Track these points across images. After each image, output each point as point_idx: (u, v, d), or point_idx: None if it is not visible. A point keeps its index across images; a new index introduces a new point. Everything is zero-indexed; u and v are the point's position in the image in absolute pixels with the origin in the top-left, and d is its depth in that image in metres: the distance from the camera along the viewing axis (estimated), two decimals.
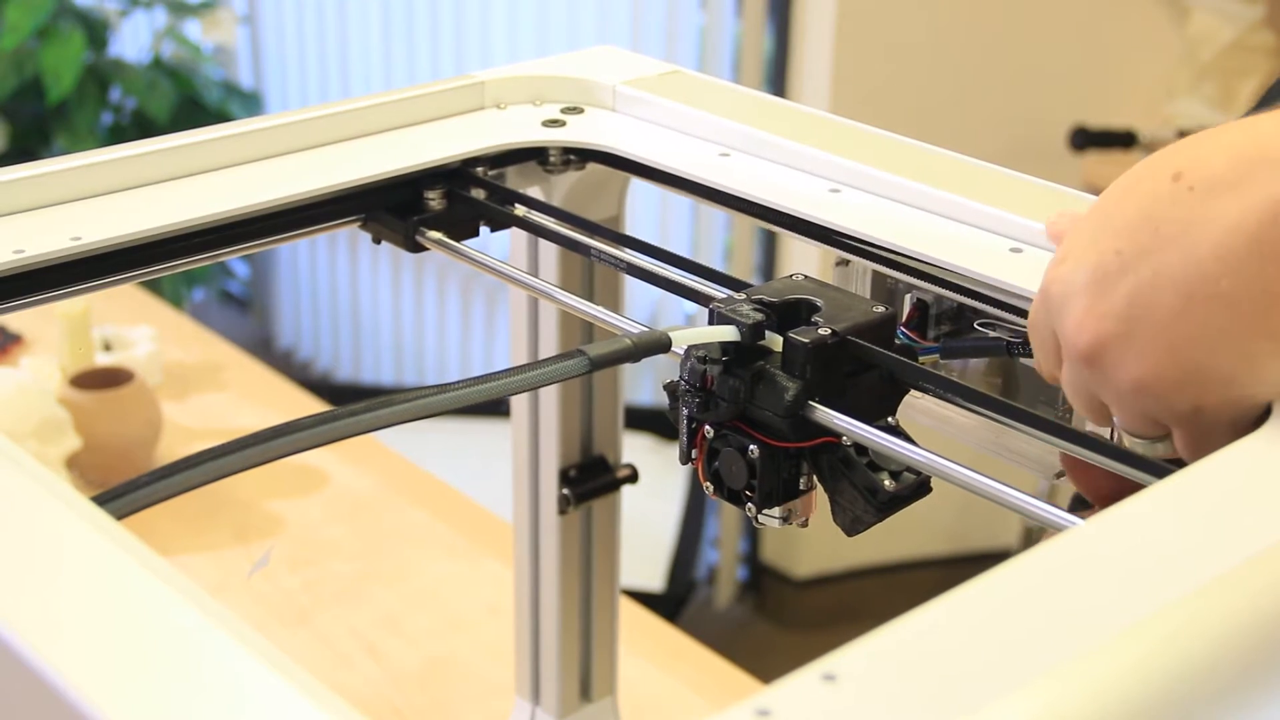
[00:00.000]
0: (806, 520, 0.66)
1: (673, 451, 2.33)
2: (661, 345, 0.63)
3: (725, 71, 2.50)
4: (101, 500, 0.47)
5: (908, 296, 0.71)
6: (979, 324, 0.69)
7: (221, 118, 2.70)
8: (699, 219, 2.62)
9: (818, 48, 2.35)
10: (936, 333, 0.71)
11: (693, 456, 0.66)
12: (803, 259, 2.42)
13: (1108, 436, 0.63)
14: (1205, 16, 2.41)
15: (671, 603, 2.23)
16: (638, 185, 0.83)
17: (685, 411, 0.65)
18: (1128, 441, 0.57)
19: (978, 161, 0.74)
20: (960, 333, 0.71)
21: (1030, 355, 0.66)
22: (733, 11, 2.47)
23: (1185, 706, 0.38)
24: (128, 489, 0.48)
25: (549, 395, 0.89)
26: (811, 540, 2.65)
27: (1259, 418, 0.54)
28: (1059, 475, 0.65)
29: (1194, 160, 0.53)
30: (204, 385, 1.69)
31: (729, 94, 0.85)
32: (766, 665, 0.37)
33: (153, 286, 2.52)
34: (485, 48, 2.75)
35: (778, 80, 2.41)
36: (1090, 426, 0.60)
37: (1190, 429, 0.54)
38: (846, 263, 0.72)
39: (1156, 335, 0.53)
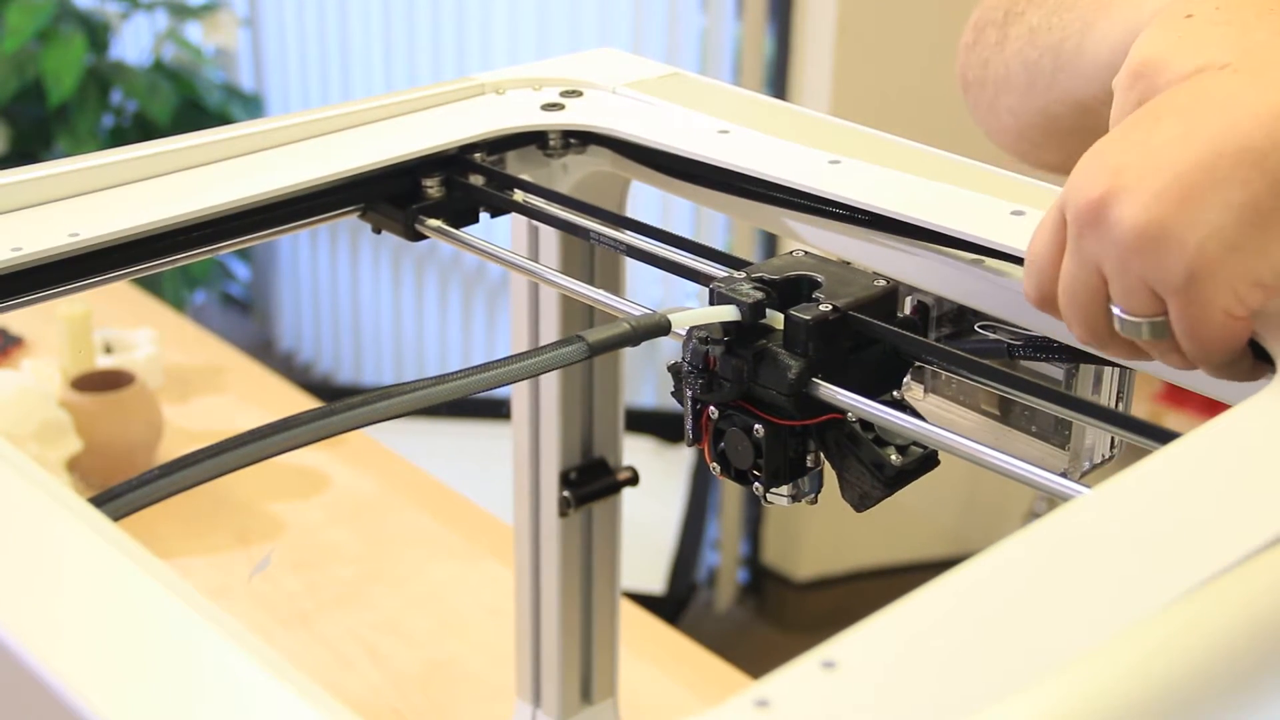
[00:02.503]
0: (815, 498, 0.66)
1: (674, 454, 2.34)
2: (661, 328, 0.62)
3: (726, 74, 2.50)
4: (100, 501, 0.47)
5: (908, 299, 0.70)
6: (979, 326, 0.69)
7: (222, 120, 2.70)
8: (699, 219, 2.61)
9: (818, 50, 2.35)
10: (937, 335, 0.71)
11: (698, 438, 0.66)
12: None
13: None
14: None
15: (672, 605, 2.22)
16: (638, 188, 0.83)
17: (689, 393, 0.65)
18: (1125, 332, 0.55)
19: (978, 163, 0.74)
20: (960, 335, 0.71)
21: (1030, 357, 0.66)
22: (733, 14, 2.47)
23: (1190, 702, 0.38)
24: (126, 489, 0.48)
25: (549, 397, 0.89)
26: (812, 543, 2.64)
27: (1255, 350, 0.53)
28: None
29: (1245, 54, 0.53)
30: (205, 388, 1.68)
31: (729, 95, 0.85)
32: (767, 667, 0.37)
33: (153, 289, 2.51)
34: (486, 51, 2.75)
35: (778, 83, 2.41)
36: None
37: (1184, 302, 0.52)
38: (847, 265, 0.72)
39: (1171, 183, 0.50)
